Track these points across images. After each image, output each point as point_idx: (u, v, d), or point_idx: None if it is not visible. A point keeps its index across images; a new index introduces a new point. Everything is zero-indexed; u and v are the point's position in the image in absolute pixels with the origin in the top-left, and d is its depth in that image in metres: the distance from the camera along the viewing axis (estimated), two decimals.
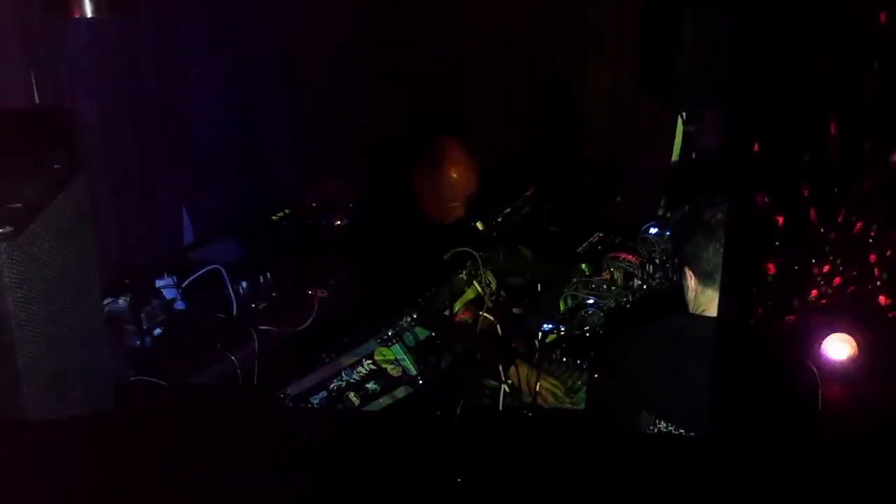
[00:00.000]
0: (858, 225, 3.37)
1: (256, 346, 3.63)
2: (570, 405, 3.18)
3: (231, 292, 3.75)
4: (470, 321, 3.19)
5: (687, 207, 2.95)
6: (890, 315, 3.43)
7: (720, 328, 2.56)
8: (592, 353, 3.31)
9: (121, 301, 3.56)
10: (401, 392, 2.99)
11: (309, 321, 3.80)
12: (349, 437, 2.80)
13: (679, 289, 2.95)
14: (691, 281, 2.82)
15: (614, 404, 2.84)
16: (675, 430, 2.68)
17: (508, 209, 3.63)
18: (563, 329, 3.53)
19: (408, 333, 2.92)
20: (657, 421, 2.70)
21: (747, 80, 2.38)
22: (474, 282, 3.23)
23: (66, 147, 3.50)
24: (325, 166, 4.92)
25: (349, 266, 3.93)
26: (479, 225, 3.49)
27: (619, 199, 4.92)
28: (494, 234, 3.56)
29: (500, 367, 3.02)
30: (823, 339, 3.32)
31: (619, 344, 2.89)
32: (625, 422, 2.76)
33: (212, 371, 3.51)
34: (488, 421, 2.96)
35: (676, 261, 3.01)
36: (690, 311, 2.87)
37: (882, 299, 3.43)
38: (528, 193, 3.79)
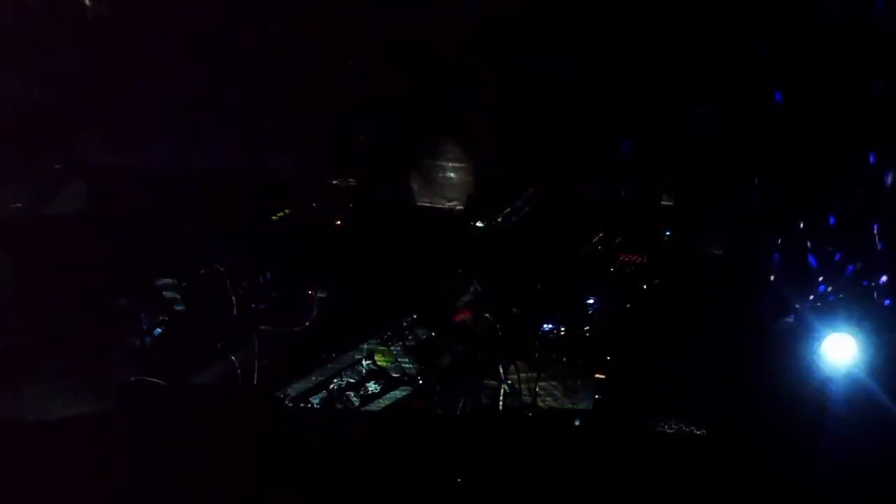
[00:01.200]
0: (861, 225, 3.37)
1: (256, 346, 3.62)
2: (570, 405, 3.17)
3: (231, 292, 3.75)
4: (470, 321, 3.18)
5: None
6: (890, 315, 3.42)
7: (723, 327, 2.56)
8: (596, 354, 3.30)
9: (121, 301, 3.55)
10: (401, 392, 2.99)
11: (309, 321, 3.80)
12: (349, 437, 2.80)
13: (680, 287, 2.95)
14: None
15: (624, 403, 2.85)
16: (685, 427, 2.68)
17: (508, 209, 3.62)
18: (563, 329, 3.52)
19: (408, 333, 2.92)
20: (669, 419, 2.71)
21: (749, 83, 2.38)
22: (473, 283, 3.23)
23: (66, 147, 3.50)
24: (324, 167, 4.91)
25: (349, 266, 3.92)
26: (479, 225, 3.48)
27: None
28: (494, 234, 3.56)
29: (500, 367, 3.02)
30: (823, 339, 3.32)
31: (629, 343, 2.90)
32: (635, 420, 2.77)
33: (212, 371, 3.51)
34: (488, 421, 2.96)
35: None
36: None
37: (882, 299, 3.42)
38: (528, 193, 3.78)
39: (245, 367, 3.57)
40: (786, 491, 2.33)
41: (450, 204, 3.78)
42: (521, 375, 3.15)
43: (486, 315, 3.20)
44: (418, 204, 3.84)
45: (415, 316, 2.95)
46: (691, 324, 3.14)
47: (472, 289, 3.38)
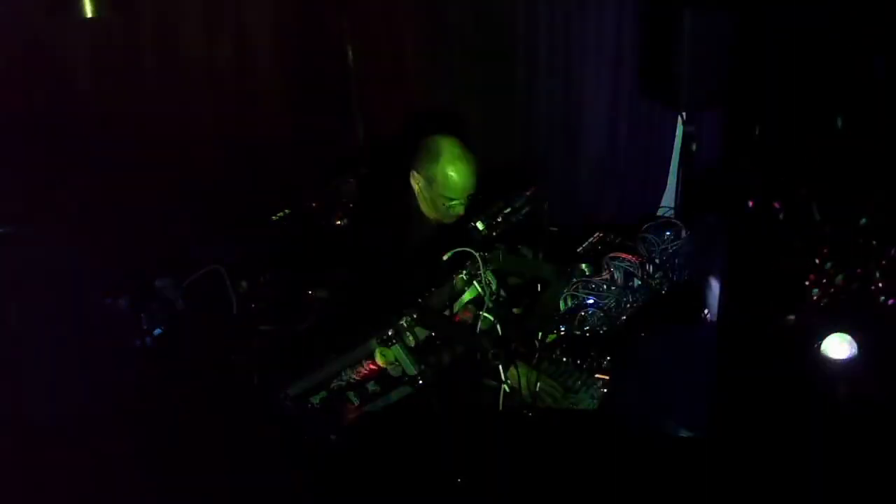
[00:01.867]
0: (860, 224, 3.38)
1: (256, 346, 3.63)
2: (570, 405, 3.17)
3: (231, 292, 3.75)
4: (470, 321, 3.18)
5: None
6: (890, 315, 3.43)
7: (724, 330, 2.56)
8: (597, 354, 3.30)
9: (121, 301, 3.56)
10: (401, 392, 2.98)
11: (309, 321, 3.80)
12: (349, 437, 2.80)
13: (681, 289, 2.95)
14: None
15: (629, 405, 2.85)
16: (686, 430, 2.69)
17: (508, 209, 3.62)
18: (563, 329, 3.53)
19: (408, 333, 2.91)
20: (669, 421, 2.71)
21: (747, 80, 2.38)
22: (474, 282, 3.22)
23: (66, 147, 3.50)
24: (324, 166, 4.92)
25: (349, 266, 3.93)
26: (479, 225, 3.48)
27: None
28: (494, 234, 3.56)
29: (500, 367, 3.02)
30: (823, 339, 3.32)
31: (637, 346, 2.91)
32: (639, 422, 2.77)
33: (212, 371, 3.51)
34: (488, 421, 2.96)
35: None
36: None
37: (882, 299, 3.43)
38: (528, 193, 3.79)
39: (245, 367, 3.57)
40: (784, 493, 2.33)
41: (449, 204, 3.77)
42: (521, 376, 3.15)
43: (486, 315, 3.19)
44: (418, 204, 3.84)
45: (415, 316, 2.94)
46: (691, 325, 3.14)
47: (471, 289, 3.37)
